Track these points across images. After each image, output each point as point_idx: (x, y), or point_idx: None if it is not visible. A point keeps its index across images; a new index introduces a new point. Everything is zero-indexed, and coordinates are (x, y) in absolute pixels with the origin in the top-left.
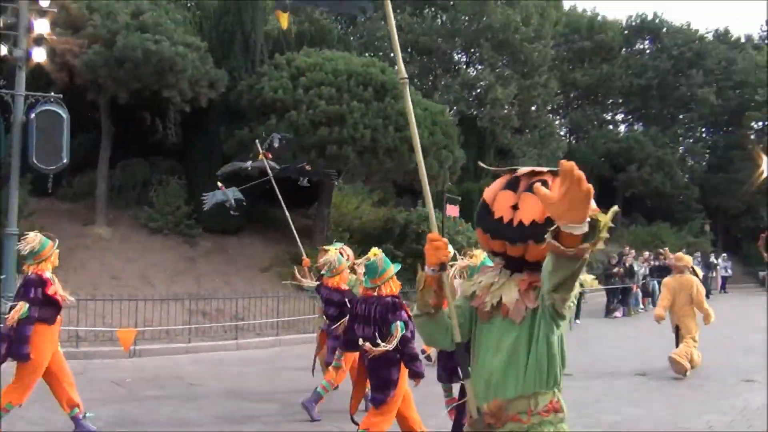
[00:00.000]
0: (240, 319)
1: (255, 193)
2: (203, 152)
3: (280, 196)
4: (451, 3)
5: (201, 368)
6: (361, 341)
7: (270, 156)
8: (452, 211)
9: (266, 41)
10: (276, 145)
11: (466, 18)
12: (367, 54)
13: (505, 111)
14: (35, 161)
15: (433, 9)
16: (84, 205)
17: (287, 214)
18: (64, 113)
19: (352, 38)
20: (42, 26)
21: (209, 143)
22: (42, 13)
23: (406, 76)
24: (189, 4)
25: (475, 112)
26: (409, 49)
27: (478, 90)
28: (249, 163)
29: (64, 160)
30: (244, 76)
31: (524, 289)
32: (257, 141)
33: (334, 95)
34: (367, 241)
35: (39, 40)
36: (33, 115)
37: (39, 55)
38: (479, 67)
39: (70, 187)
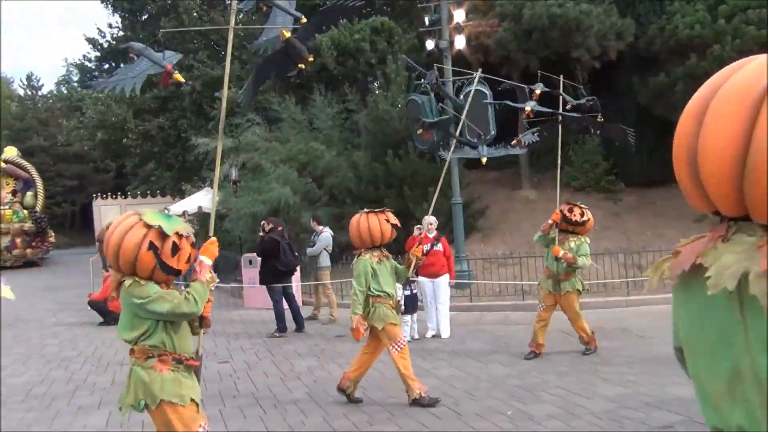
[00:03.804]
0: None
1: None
2: (615, 105)
3: None
4: None
5: (645, 321)
6: None
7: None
8: None
9: None
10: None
11: None
12: None
13: None
14: (468, 137)
15: None
16: (510, 172)
17: None
18: (487, 90)
19: None
20: (459, 16)
21: (620, 96)
22: (458, 4)
23: None
24: None
25: None
26: None
27: None
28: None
29: (492, 133)
30: (652, 19)
31: None
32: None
33: (766, 17)
34: None
35: (458, 29)
36: (461, 97)
37: (459, 42)
38: None
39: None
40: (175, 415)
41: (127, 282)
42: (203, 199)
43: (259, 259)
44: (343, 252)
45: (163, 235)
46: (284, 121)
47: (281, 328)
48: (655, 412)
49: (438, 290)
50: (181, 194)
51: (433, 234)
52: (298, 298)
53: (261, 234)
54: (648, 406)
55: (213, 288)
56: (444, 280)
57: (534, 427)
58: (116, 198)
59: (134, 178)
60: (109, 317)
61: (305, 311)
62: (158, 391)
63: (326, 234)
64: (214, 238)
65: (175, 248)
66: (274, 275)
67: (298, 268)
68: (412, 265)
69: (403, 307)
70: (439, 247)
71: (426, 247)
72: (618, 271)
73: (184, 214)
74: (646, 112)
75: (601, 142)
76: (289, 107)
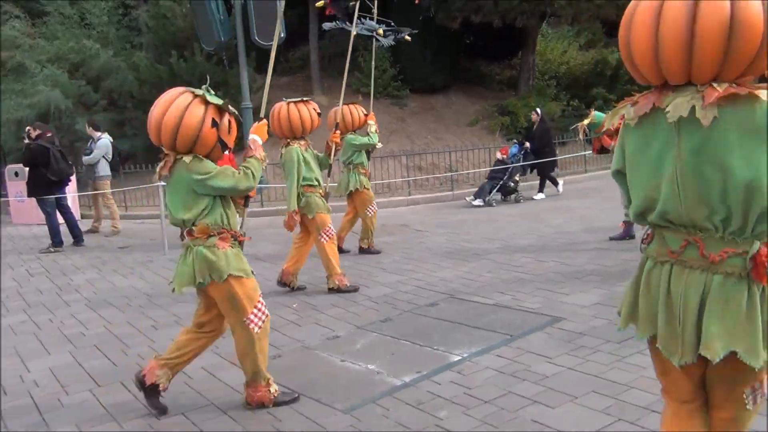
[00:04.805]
0: (454, 171)
1: (458, 50)
2: (400, 14)
3: None
4: None
5: (421, 217)
6: None
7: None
8: None
9: None
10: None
11: None
12: None
13: None
14: (257, 39)
15: None
16: (301, 77)
17: None
18: None
19: None
20: None
21: (405, 3)
22: None
23: None
24: None
25: None
26: None
27: None
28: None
29: (282, 35)
30: None
31: None
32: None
33: None
34: (575, 87)
35: None
36: None
37: None
38: None
39: (287, 61)
40: (240, 287)
41: (187, 159)
42: None
43: (27, 169)
44: (127, 160)
45: (221, 112)
46: (50, 16)
47: (56, 242)
48: (424, 293)
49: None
50: None
51: None
52: (75, 210)
53: (26, 141)
54: (418, 288)
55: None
56: None
57: (316, 315)
58: None
59: None
60: None
61: (85, 225)
62: (225, 267)
63: (105, 140)
64: (264, 120)
65: (229, 125)
66: (44, 186)
67: (73, 177)
68: (332, 152)
69: None
70: (226, 152)
71: None
72: (401, 172)
73: None
74: (429, 21)
75: (388, 48)
76: None
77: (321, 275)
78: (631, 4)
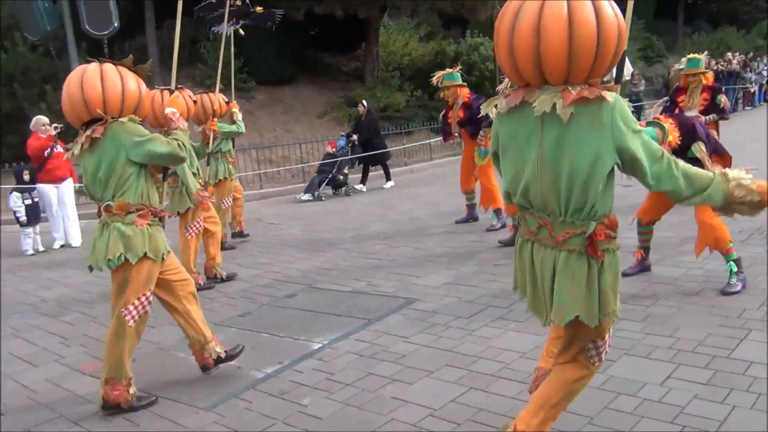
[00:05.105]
0: (305, 162)
1: (303, 41)
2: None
3: None
4: None
5: (275, 210)
6: None
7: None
8: None
9: None
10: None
11: None
12: None
13: None
14: (87, 28)
15: None
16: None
17: None
18: None
19: None
20: None
21: None
22: None
23: None
24: None
25: None
26: None
27: None
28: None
29: (115, 24)
30: None
31: None
32: None
33: None
34: (418, 78)
35: None
36: None
37: None
38: None
39: (122, 52)
40: (137, 273)
41: (124, 119)
42: None
43: None
44: None
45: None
46: None
47: None
48: (281, 285)
49: (63, 196)
50: None
51: (47, 134)
52: None
53: None
54: (276, 281)
55: None
56: (68, 184)
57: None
58: None
59: None
60: None
61: None
62: (141, 246)
63: None
64: (176, 93)
65: None
66: None
67: None
68: (210, 140)
69: (25, 218)
70: (59, 148)
71: (47, 151)
72: (251, 166)
73: None
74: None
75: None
76: None
77: None
78: (503, 9)
